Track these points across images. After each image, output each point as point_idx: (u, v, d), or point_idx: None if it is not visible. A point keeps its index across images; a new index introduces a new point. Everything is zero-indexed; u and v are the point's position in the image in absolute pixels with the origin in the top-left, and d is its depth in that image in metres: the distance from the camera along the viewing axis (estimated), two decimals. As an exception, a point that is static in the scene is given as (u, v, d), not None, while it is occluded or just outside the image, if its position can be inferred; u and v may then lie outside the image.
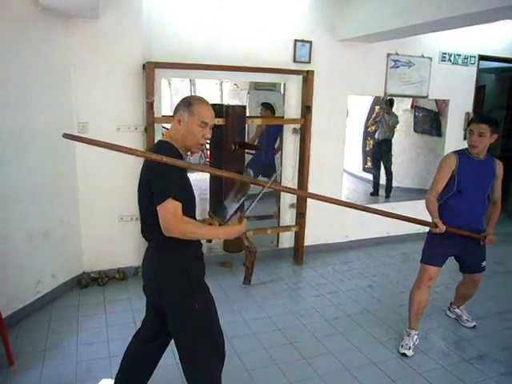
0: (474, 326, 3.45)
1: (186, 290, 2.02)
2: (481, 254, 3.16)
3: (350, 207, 2.60)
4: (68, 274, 3.84)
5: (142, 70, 3.83)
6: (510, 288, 4.27)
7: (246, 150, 4.62)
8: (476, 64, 5.47)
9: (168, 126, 4.31)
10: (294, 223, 4.65)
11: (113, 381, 2.53)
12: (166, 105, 5.02)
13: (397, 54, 4.95)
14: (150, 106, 3.76)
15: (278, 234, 4.76)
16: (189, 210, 2.04)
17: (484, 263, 3.18)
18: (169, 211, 1.89)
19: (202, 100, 2.11)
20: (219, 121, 3.98)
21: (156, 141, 2.39)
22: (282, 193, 4.67)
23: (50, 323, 3.29)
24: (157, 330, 2.27)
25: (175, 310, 2.06)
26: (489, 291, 3.97)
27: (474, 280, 3.26)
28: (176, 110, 2.08)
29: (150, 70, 3.69)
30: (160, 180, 1.93)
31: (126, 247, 4.12)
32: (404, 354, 3.03)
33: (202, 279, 2.14)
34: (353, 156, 7.31)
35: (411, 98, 5.88)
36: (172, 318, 2.08)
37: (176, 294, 2.03)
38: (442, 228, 2.87)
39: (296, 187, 4.56)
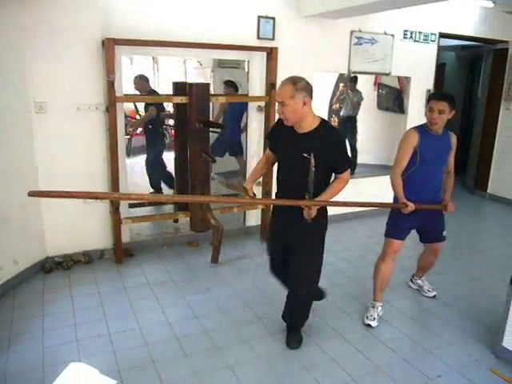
0: (435, 295, 3.59)
1: None
2: (440, 223, 3.29)
3: (320, 204, 2.59)
4: (31, 259, 3.74)
5: (101, 47, 3.71)
6: (467, 258, 4.46)
7: (212, 129, 4.58)
8: (436, 41, 5.56)
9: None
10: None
11: (81, 364, 2.53)
12: (128, 83, 4.90)
13: (360, 31, 4.97)
14: (110, 85, 3.65)
15: (245, 212, 4.78)
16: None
17: (444, 232, 3.32)
18: None
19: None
20: (183, 99, 3.93)
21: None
22: (248, 171, 4.67)
23: (13, 310, 3.21)
24: None
25: None
26: (448, 262, 4.14)
27: (435, 249, 3.39)
28: None
29: (109, 46, 3.57)
30: None
31: (90, 230, 4.05)
32: (369, 325, 3.13)
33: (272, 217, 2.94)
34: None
35: (374, 76, 5.95)
36: None
37: None
38: (412, 207, 2.97)
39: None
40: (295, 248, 2.70)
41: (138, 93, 5.17)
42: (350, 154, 6.74)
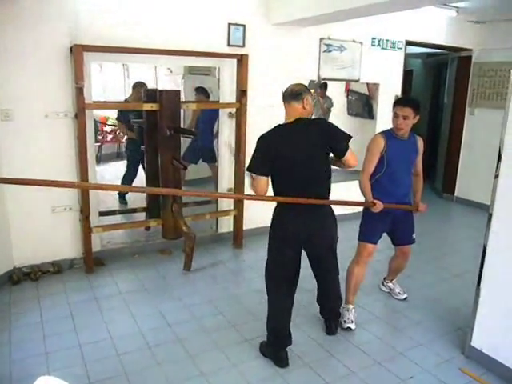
0: (406, 298, 3.66)
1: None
2: (410, 226, 3.38)
3: (291, 202, 2.62)
4: (-3, 270, 3.64)
5: (69, 53, 3.65)
6: (436, 261, 4.55)
7: (184, 136, 4.57)
8: (403, 49, 5.70)
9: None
10: (232, 208, 4.67)
11: (50, 377, 2.47)
12: (98, 90, 4.83)
13: (329, 39, 5.05)
14: (79, 92, 3.59)
15: (217, 218, 4.77)
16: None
17: (414, 235, 3.40)
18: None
19: None
20: (153, 106, 3.90)
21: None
22: (219, 178, 4.68)
23: (-22, 323, 3.12)
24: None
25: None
26: (418, 265, 4.22)
27: (405, 252, 3.47)
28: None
29: (78, 53, 3.52)
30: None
31: (60, 239, 3.96)
32: (349, 328, 3.16)
33: None
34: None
35: (345, 83, 6.04)
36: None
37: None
38: (380, 206, 3.03)
39: (233, 172, 4.59)
40: None
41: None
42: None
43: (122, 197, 5.39)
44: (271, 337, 2.81)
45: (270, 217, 2.77)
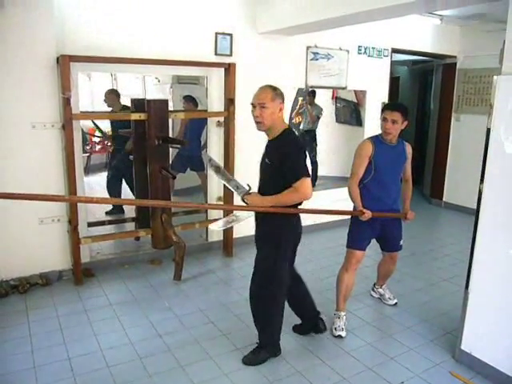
0: (396, 303, 3.67)
1: None
2: (398, 233, 3.39)
3: (287, 212, 2.66)
4: (-16, 284, 3.59)
5: (56, 64, 3.64)
6: (426, 266, 4.59)
7: (173, 145, 4.56)
8: (389, 56, 5.78)
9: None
10: (222, 216, 4.65)
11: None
12: (86, 100, 4.81)
13: (316, 47, 5.10)
14: (66, 102, 3.58)
15: (207, 227, 4.76)
16: None
17: (401, 242, 3.42)
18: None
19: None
20: (141, 116, 3.90)
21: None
22: (208, 186, 4.67)
23: (-35, 337, 3.07)
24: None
25: None
26: (407, 270, 4.25)
27: (392, 257, 3.50)
28: None
29: (64, 63, 3.51)
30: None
31: (48, 251, 3.92)
32: (340, 336, 3.15)
33: None
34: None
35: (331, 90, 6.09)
36: None
37: None
38: (369, 214, 3.05)
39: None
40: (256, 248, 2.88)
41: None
42: (307, 166, 6.86)
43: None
44: (273, 346, 2.88)
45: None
